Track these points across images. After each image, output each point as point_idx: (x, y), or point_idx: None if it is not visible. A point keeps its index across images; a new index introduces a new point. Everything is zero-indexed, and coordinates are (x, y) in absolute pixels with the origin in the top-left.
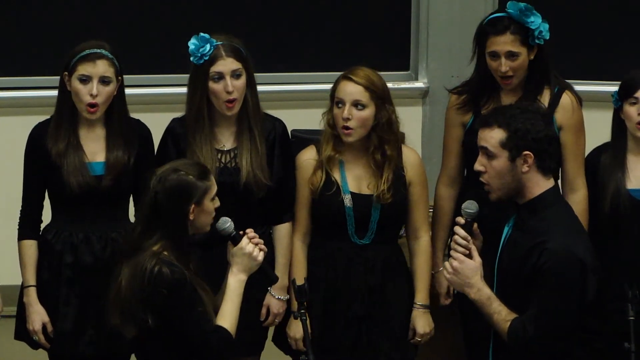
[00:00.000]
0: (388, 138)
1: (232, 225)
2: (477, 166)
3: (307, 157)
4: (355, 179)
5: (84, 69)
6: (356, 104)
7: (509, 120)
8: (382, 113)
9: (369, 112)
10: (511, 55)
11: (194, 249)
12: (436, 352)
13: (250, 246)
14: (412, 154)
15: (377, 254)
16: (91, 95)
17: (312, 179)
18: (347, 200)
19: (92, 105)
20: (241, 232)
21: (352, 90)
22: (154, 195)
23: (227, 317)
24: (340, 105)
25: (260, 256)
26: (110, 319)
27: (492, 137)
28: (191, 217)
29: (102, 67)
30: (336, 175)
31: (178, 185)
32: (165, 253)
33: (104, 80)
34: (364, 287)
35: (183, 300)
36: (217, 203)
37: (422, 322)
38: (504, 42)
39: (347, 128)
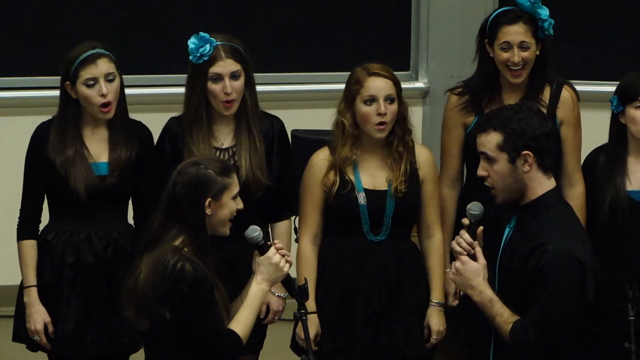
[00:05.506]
0: (410, 128)
1: (261, 234)
2: (480, 172)
3: (320, 157)
4: (369, 176)
5: (87, 73)
6: (387, 99)
7: (504, 122)
8: (403, 105)
9: (396, 105)
10: (523, 46)
11: (212, 247)
12: (440, 352)
13: (277, 257)
14: (424, 151)
15: (391, 249)
16: (102, 95)
17: (324, 180)
18: (361, 198)
19: (105, 105)
20: (269, 243)
21: (383, 85)
22: (173, 186)
23: (242, 323)
24: (370, 102)
25: (286, 268)
26: (124, 311)
27: (489, 141)
28: (208, 211)
29: (104, 66)
30: (350, 175)
31: (196, 177)
32: (186, 249)
33: (109, 78)
34: (380, 284)
35: (200, 299)
36: (240, 205)
37: (436, 320)
38: (517, 32)
39: (381, 124)
